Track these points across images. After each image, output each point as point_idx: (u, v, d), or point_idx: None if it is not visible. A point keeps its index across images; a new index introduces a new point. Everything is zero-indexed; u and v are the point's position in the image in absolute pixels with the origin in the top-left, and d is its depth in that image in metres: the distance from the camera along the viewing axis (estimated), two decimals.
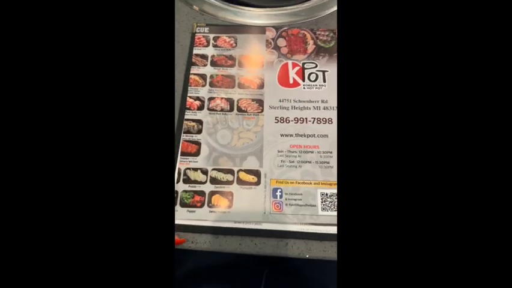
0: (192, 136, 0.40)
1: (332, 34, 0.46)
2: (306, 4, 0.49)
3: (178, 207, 0.36)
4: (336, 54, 0.45)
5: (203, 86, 0.43)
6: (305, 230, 0.35)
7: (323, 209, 0.36)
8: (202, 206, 0.36)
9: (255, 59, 0.45)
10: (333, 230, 0.35)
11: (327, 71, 0.44)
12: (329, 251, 0.35)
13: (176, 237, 0.35)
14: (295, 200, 0.36)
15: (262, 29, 0.47)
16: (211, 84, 0.43)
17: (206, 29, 0.47)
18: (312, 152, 0.39)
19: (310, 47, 0.46)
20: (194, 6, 0.49)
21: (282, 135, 0.40)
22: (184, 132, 0.40)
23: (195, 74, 0.44)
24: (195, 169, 0.38)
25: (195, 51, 0.45)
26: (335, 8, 0.48)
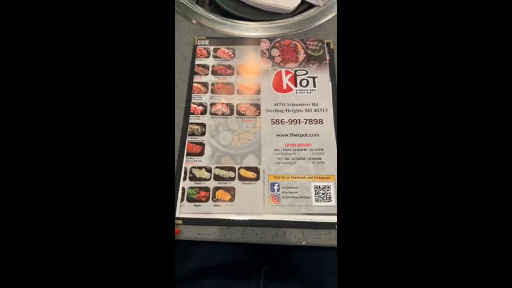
0: (196, 138, 0.43)
1: (320, 44, 0.50)
2: (297, 18, 0.53)
3: (185, 202, 0.39)
4: (325, 62, 0.48)
5: (205, 93, 0.46)
6: (301, 220, 0.38)
7: (316, 200, 0.39)
8: (207, 200, 0.39)
9: (252, 68, 0.48)
10: (326, 219, 0.38)
11: (317, 77, 0.47)
12: (323, 238, 0.38)
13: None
14: (291, 193, 0.39)
15: (257, 41, 0.50)
16: (213, 91, 0.46)
17: (206, 42, 0.50)
18: (305, 150, 0.42)
19: (301, 56, 0.49)
20: (193, 20, 0.52)
21: (277, 135, 0.43)
22: (189, 135, 0.43)
23: (197, 83, 0.47)
24: (200, 167, 0.41)
25: (197, 61, 0.49)
26: (323, 21, 0.52)
